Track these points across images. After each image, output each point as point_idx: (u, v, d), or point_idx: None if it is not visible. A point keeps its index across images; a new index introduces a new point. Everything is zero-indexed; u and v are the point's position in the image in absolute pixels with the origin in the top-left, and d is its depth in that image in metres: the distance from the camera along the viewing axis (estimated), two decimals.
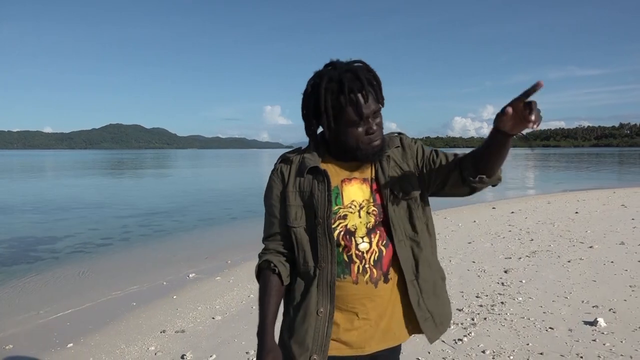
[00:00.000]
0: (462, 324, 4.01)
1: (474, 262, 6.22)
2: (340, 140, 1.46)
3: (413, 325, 1.52)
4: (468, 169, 1.42)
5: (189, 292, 5.80)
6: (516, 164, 48.52)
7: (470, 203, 13.76)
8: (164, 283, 6.26)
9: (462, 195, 1.51)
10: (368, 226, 1.46)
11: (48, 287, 6.39)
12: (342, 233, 1.45)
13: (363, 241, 1.45)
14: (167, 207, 14.80)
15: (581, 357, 3.25)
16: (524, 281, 5.19)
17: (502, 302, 4.51)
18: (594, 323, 3.81)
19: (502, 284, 5.15)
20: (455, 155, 1.51)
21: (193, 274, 6.62)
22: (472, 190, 1.47)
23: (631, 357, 3.22)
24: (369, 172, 1.51)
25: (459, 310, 4.35)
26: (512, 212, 11.02)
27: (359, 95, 1.39)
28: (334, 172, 1.50)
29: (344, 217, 1.46)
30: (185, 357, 3.75)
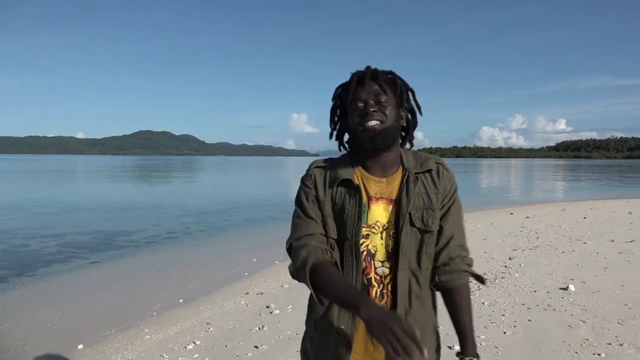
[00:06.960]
0: None
1: (485, 252, 7.64)
2: (348, 130, 1.49)
3: None
4: (434, 277, 1.48)
5: (255, 272, 7.34)
6: (543, 174, 49.07)
7: (490, 209, 15.11)
8: (234, 265, 7.84)
9: None
10: (388, 249, 1.42)
11: (144, 267, 8.06)
12: (364, 253, 1.42)
13: (382, 265, 1.42)
14: (214, 209, 16.54)
15: (549, 305, 4.70)
16: (522, 265, 6.60)
17: (502, 277, 5.95)
18: (566, 288, 5.24)
19: (505, 266, 6.57)
20: (446, 257, 1.49)
21: (255, 259, 8.17)
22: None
23: (584, 306, 4.64)
24: (395, 193, 1.44)
25: None
26: (527, 217, 12.30)
27: (359, 78, 1.43)
28: (364, 188, 1.45)
29: (367, 236, 1.42)
30: (269, 307, 5.28)
